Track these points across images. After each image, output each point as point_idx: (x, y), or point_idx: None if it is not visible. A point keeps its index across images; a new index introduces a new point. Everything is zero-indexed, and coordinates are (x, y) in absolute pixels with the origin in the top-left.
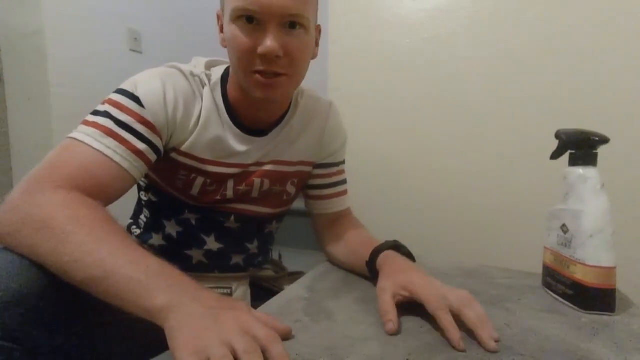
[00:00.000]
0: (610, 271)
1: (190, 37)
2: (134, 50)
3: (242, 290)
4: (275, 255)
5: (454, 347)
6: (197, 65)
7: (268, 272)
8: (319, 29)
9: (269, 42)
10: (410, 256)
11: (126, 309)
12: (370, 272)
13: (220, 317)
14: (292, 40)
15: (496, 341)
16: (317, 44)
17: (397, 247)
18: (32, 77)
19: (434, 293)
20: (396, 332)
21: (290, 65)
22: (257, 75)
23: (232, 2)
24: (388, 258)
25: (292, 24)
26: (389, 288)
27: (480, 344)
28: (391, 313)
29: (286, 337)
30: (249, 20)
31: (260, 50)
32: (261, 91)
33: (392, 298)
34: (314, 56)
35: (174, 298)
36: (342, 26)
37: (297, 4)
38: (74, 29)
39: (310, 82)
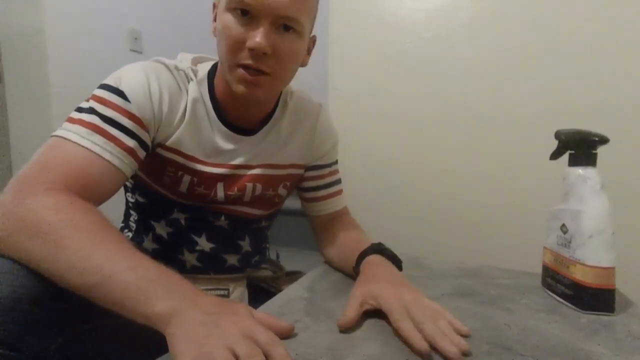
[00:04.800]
0: (609, 271)
1: (190, 37)
2: (134, 50)
3: (239, 291)
4: (272, 255)
5: (417, 350)
6: (182, 60)
7: (265, 272)
8: (313, 40)
9: (259, 38)
10: (394, 258)
11: (125, 315)
12: (357, 277)
13: (221, 322)
14: (282, 40)
15: (463, 352)
16: (309, 53)
17: (381, 250)
18: (32, 77)
19: (398, 305)
20: (346, 327)
21: (276, 65)
22: (241, 70)
23: None
24: (368, 264)
25: (286, 26)
26: (359, 296)
27: (442, 355)
28: (350, 312)
29: (289, 334)
30: (243, 12)
31: (249, 44)
32: (243, 86)
33: (360, 305)
34: (304, 64)
35: (174, 304)
36: (342, 26)
37: (293, 7)
38: (74, 29)
39: (310, 82)
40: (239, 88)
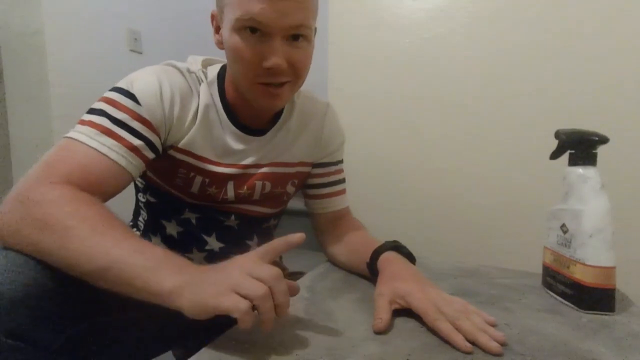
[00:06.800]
0: (609, 271)
1: (190, 37)
2: (133, 51)
3: None
4: None
5: (461, 350)
6: (193, 63)
7: None
8: (314, 31)
9: (276, 58)
10: (410, 256)
11: (135, 295)
12: (371, 274)
13: (227, 268)
14: (296, 51)
15: (502, 343)
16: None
17: (397, 247)
18: (32, 77)
19: (430, 305)
20: (383, 331)
21: (294, 74)
22: (263, 86)
23: (235, 11)
24: (388, 261)
25: (296, 35)
26: (386, 294)
27: (483, 350)
28: (384, 314)
29: (299, 241)
30: (252, 30)
31: (266, 64)
32: (266, 101)
33: (389, 304)
34: None
35: (184, 278)
36: (342, 26)
37: (301, 16)
38: (74, 29)
39: (310, 82)
40: (262, 102)
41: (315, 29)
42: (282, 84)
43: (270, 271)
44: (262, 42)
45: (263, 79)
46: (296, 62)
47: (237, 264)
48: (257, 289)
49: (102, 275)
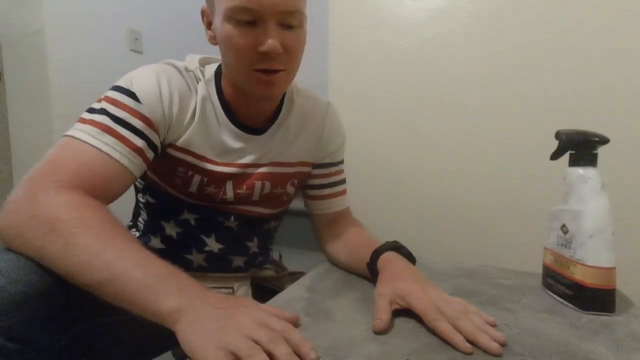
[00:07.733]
0: (610, 271)
1: (190, 37)
2: (134, 50)
3: (243, 290)
4: (275, 255)
5: (461, 351)
6: (191, 61)
7: (269, 272)
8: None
9: (271, 41)
10: (410, 256)
11: (134, 311)
12: (371, 274)
13: (235, 315)
14: (289, 36)
15: (502, 344)
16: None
17: (397, 247)
18: (32, 77)
19: (430, 305)
20: (383, 332)
21: (288, 60)
22: (258, 73)
23: (226, 1)
24: (388, 261)
25: (289, 21)
26: (386, 294)
27: (483, 350)
28: (384, 314)
29: (295, 325)
30: (247, 21)
31: (262, 49)
32: (262, 88)
33: (389, 304)
34: None
35: (184, 301)
36: (342, 26)
37: (293, 1)
38: (74, 29)
39: (310, 82)
40: (257, 90)
41: (306, 16)
42: (276, 71)
43: (282, 323)
44: (256, 28)
45: (259, 64)
46: (291, 47)
47: (244, 312)
48: (272, 337)
49: (103, 287)
